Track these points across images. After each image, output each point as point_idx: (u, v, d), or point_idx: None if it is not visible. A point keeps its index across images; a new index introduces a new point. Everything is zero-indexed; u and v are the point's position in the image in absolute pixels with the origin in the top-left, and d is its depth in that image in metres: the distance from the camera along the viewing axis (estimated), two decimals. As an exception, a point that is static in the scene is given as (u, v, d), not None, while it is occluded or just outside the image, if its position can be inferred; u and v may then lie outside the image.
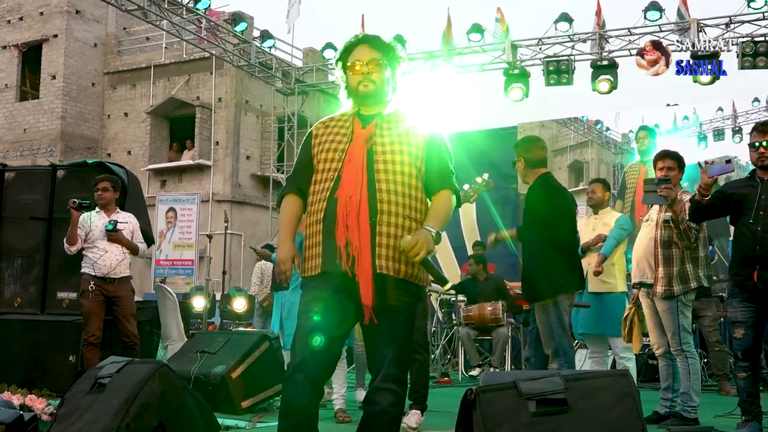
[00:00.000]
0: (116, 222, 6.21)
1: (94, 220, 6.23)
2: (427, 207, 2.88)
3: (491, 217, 11.10)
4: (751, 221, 4.59)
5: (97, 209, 6.31)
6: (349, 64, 2.92)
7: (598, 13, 11.76)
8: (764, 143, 4.60)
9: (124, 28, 20.41)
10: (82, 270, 6.21)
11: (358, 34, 3.01)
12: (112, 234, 6.18)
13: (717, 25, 11.09)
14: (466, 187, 4.73)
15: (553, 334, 4.75)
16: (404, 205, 2.78)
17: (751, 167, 4.81)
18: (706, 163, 4.62)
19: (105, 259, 6.17)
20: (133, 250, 6.36)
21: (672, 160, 5.27)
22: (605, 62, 11.50)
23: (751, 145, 4.69)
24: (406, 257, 2.71)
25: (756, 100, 14.86)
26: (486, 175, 4.79)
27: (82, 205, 6.11)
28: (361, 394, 6.70)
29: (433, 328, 10.13)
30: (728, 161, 4.58)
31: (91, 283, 6.12)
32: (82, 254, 6.26)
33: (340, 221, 2.74)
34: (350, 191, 2.75)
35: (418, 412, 5.18)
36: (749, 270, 4.61)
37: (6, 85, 20.29)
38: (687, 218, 4.96)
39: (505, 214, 11.39)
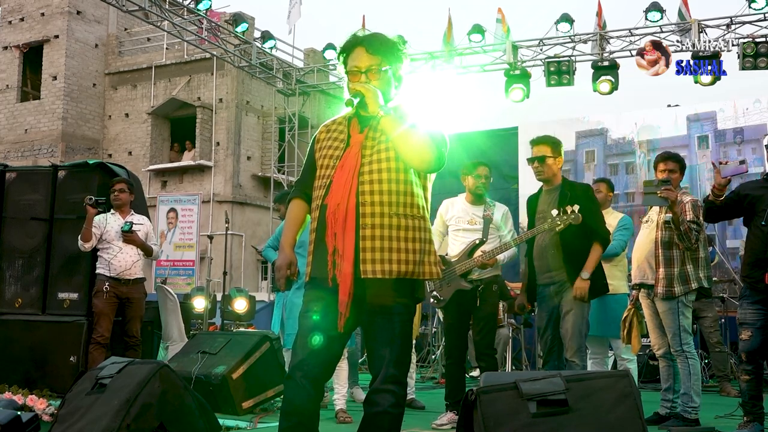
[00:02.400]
0: (132, 223, 6.27)
1: (109, 221, 6.31)
2: (423, 201, 2.85)
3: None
4: (763, 223, 4.59)
5: (112, 210, 6.37)
6: (347, 69, 2.90)
7: (599, 13, 11.75)
8: None
9: (125, 29, 20.44)
10: (97, 271, 6.29)
11: (357, 33, 2.95)
12: (128, 235, 6.25)
13: (718, 26, 11.09)
14: (554, 213, 4.70)
15: (583, 331, 4.79)
16: (390, 203, 2.74)
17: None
18: (720, 163, 4.65)
19: (120, 259, 6.24)
20: (147, 252, 6.46)
21: (674, 162, 5.29)
22: (606, 63, 11.50)
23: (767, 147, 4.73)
24: (397, 256, 2.71)
25: (757, 101, 14.85)
26: (576, 207, 4.64)
27: (98, 202, 6.15)
28: (357, 392, 6.72)
29: (434, 329, 10.13)
30: (742, 162, 4.62)
31: (106, 284, 6.20)
32: (97, 255, 6.33)
33: (329, 229, 2.74)
34: (338, 199, 2.74)
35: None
36: (760, 272, 4.62)
37: (7, 85, 20.31)
38: (688, 219, 4.97)
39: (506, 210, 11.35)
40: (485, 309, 5.37)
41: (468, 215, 5.43)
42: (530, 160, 4.94)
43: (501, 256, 5.29)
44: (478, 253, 5.26)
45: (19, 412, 3.91)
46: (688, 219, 4.97)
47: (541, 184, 5.07)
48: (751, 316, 4.68)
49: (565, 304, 4.74)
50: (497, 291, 5.46)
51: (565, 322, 4.74)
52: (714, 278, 8.20)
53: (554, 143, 4.89)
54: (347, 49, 2.91)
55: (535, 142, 4.95)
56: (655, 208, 5.36)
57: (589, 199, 4.92)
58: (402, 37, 3.01)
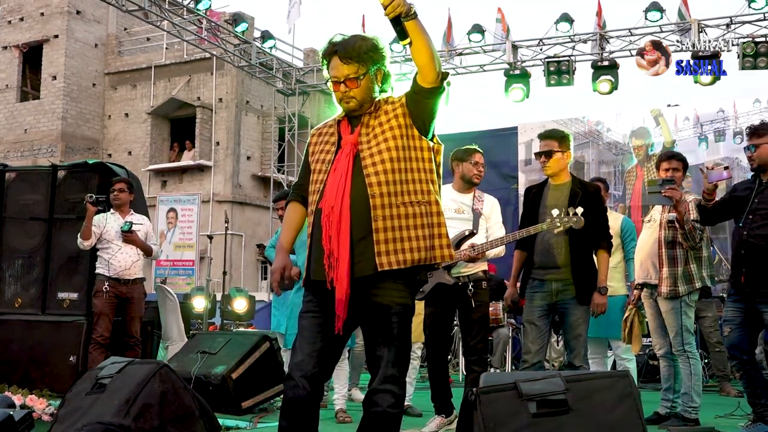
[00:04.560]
0: (131, 223, 6.27)
1: (109, 221, 6.30)
2: (429, 185, 2.83)
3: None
4: (740, 225, 4.67)
5: (111, 210, 6.37)
6: (327, 78, 2.90)
7: (599, 13, 11.76)
8: (751, 147, 4.69)
9: (125, 29, 20.43)
10: (97, 270, 6.28)
11: (332, 39, 2.90)
12: (128, 235, 6.24)
13: (718, 26, 11.10)
14: (555, 212, 4.47)
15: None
16: (397, 193, 2.76)
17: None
18: (707, 168, 4.72)
19: (119, 259, 6.24)
20: (147, 252, 6.45)
21: (677, 161, 5.31)
22: (606, 63, 11.50)
23: (745, 149, 4.80)
24: (409, 245, 2.73)
25: (757, 101, 14.87)
26: (580, 210, 4.40)
27: (98, 200, 6.15)
28: (356, 393, 6.71)
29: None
30: (726, 168, 4.75)
31: (106, 284, 6.19)
32: (96, 255, 6.33)
33: (324, 232, 2.75)
34: (332, 201, 2.76)
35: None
36: (738, 272, 4.71)
37: (7, 85, 20.31)
38: (692, 218, 4.98)
39: (506, 215, 11.30)
40: (479, 310, 5.02)
41: (456, 203, 5.08)
42: (537, 155, 4.77)
43: (488, 252, 4.99)
44: (466, 245, 4.93)
45: (11, 411, 3.88)
46: (692, 218, 4.98)
47: (543, 177, 4.89)
48: (732, 314, 4.77)
49: (575, 311, 4.56)
50: (487, 289, 5.14)
51: (573, 330, 4.58)
52: (716, 278, 8.20)
53: (561, 137, 4.72)
54: (325, 57, 2.90)
55: (542, 137, 4.78)
56: (658, 208, 5.37)
57: (600, 203, 4.78)
58: (376, 38, 2.93)
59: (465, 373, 5.14)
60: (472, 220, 5.09)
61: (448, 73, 2.83)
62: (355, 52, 2.82)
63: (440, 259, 2.83)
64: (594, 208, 4.62)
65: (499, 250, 5.12)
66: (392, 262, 2.72)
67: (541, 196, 4.74)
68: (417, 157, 2.84)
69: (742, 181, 5.14)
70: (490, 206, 5.19)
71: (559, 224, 4.45)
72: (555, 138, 4.70)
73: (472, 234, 5.02)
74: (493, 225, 5.13)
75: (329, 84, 2.91)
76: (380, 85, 2.90)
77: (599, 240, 4.68)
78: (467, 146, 5.25)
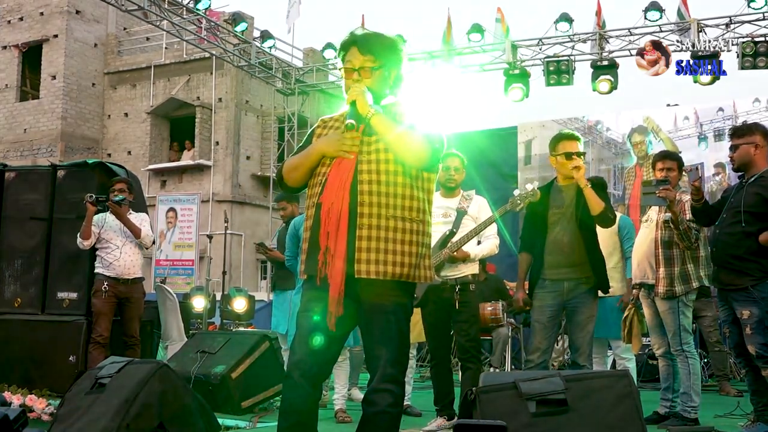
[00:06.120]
0: (126, 198, 6.24)
1: (108, 221, 6.29)
2: (424, 204, 2.84)
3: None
4: (717, 224, 4.70)
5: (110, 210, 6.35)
6: (341, 67, 2.91)
7: (599, 13, 11.76)
8: (732, 147, 4.73)
9: (125, 29, 20.44)
10: (96, 270, 6.29)
11: (354, 31, 2.94)
12: (116, 207, 6.17)
13: (717, 26, 11.09)
14: (516, 192, 4.68)
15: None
16: (387, 206, 2.74)
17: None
18: (687, 170, 4.81)
19: (118, 258, 6.25)
20: (136, 233, 6.31)
21: (672, 161, 5.31)
22: (605, 62, 11.49)
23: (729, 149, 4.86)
24: (392, 258, 2.71)
25: (756, 100, 14.88)
26: (536, 184, 4.63)
27: (98, 200, 6.15)
28: (355, 393, 6.71)
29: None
30: (696, 169, 4.91)
31: (105, 283, 6.20)
32: (95, 254, 6.32)
33: (322, 228, 2.74)
34: (332, 198, 2.74)
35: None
36: (714, 271, 4.79)
37: (6, 85, 20.30)
38: (687, 218, 4.99)
39: (505, 214, 11.29)
40: (466, 312, 5.12)
41: (442, 209, 5.16)
42: (568, 155, 4.59)
43: (477, 251, 5.08)
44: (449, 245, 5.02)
45: (6, 411, 3.87)
46: (687, 218, 4.99)
47: (545, 177, 5.01)
48: (723, 314, 4.85)
49: (585, 309, 4.58)
50: (476, 291, 5.24)
51: (582, 329, 4.60)
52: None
53: (581, 140, 4.78)
54: (344, 48, 2.92)
55: (570, 137, 4.67)
56: (655, 207, 5.37)
57: (605, 193, 4.92)
58: (401, 37, 3.01)
59: (461, 372, 5.20)
60: (453, 221, 5.13)
61: (437, 161, 2.89)
62: (376, 45, 2.87)
63: (423, 279, 2.84)
64: (602, 198, 4.68)
65: (490, 249, 5.18)
66: (371, 272, 2.70)
67: (548, 197, 4.74)
68: (418, 176, 2.84)
69: (735, 183, 5.17)
70: (477, 206, 5.22)
71: (519, 201, 4.70)
72: (580, 141, 4.75)
73: (452, 234, 5.09)
74: (485, 231, 5.16)
75: (342, 74, 2.91)
76: (391, 86, 2.92)
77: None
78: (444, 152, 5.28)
